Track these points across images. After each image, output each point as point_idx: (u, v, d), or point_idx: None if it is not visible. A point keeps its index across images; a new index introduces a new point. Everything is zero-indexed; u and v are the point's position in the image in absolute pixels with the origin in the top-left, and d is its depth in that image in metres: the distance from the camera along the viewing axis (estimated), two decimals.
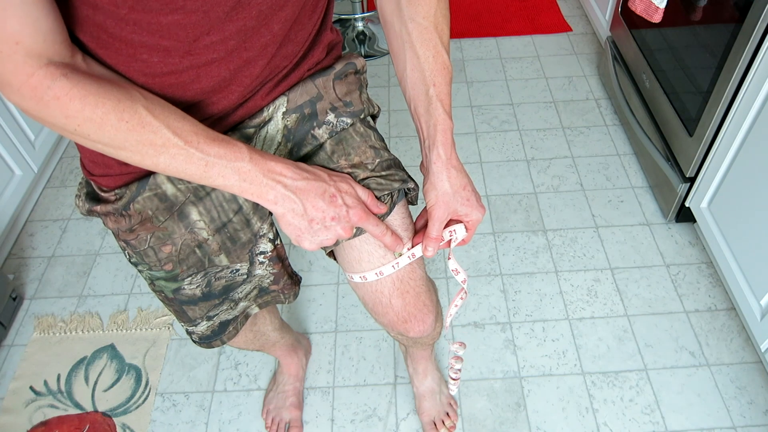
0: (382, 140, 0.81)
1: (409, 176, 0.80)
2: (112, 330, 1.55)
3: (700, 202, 1.55)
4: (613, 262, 1.64)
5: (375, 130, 0.81)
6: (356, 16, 2.52)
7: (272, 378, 1.43)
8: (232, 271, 0.84)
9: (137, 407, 1.40)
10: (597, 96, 2.16)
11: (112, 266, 1.70)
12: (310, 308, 1.58)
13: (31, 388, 1.45)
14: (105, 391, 1.44)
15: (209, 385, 1.44)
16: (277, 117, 0.73)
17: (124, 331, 1.55)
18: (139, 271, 0.83)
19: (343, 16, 2.58)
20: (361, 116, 0.79)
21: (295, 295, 0.96)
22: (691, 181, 1.58)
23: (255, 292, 0.91)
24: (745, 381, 1.38)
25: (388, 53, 2.39)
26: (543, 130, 2.05)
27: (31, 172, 1.79)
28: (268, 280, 0.89)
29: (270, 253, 0.85)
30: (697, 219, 1.58)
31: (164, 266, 0.79)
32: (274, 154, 0.75)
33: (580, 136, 2.01)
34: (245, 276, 0.86)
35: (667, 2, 1.58)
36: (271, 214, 0.83)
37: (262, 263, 0.85)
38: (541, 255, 1.67)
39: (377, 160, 0.77)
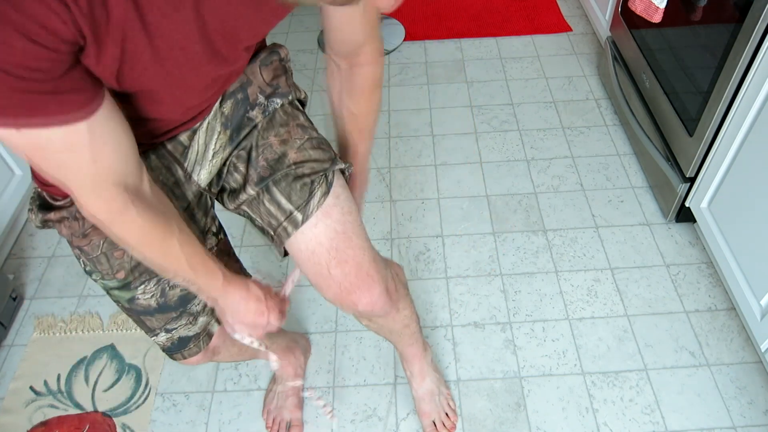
0: (310, 121, 0.90)
1: (337, 156, 0.90)
2: (112, 330, 1.55)
3: (700, 202, 1.55)
4: (613, 262, 1.64)
5: (302, 112, 0.90)
6: None
7: (272, 378, 1.43)
8: None
9: (137, 407, 1.40)
10: (597, 96, 2.16)
11: None
12: (310, 308, 1.58)
13: (31, 388, 1.45)
14: (105, 391, 1.44)
15: (209, 385, 1.44)
16: (216, 107, 0.80)
17: (124, 331, 1.55)
18: (94, 280, 0.85)
19: None
20: (289, 98, 0.87)
21: None
22: (691, 181, 1.58)
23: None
24: (745, 381, 1.38)
25: (387, 54, 2.39)
26: (543, 130, 2.05)
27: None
28: None
29: (215, 248, 0.91)
30: (697, 219, 1.58)
31: (116, 274, 0.81)
32: (216, 142, 0.82)
33: (580, 136, 2.01)
34: None
35: (667, 2, 1.58)
36: (213, 206, 0.91)
37: None
38: (541, 255, 1.67)
39: (305, 137, 0.86)
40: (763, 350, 1.33)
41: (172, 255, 0.72)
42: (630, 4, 1.73)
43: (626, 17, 1.88)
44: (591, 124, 2.05)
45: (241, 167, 0.84)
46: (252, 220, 0.88)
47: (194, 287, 0.80)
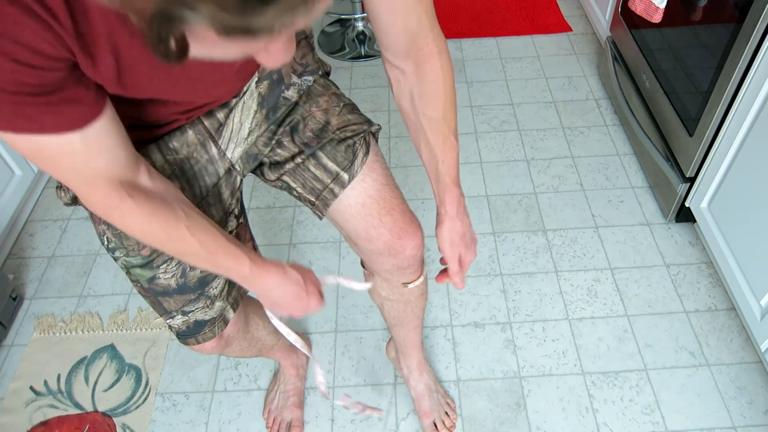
0: (339, 89, 0.95)
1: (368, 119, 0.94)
2: (112, 330, 1.55)
3: (700, 202, 1.55)
4: (613, 262, 1.64)
5: (332, 82, 0.95)
6: (356, 16, 2.52)
7: (273, 378, 1.43)
8: None
9: (137, 407, 1.40)
10: (597, 96, 2.16)
11: (112, 266, 1.70)
12: None
13: (31, 388, 1.45)
14: (105, 391, 1.44)
15: (209, 385, 1.44)
16: (252, 87, 0.82)
17: (124, 331, 1.55)
18: (115, 259, 0.86)
19: (343, 16, 2.58)
20: (319, 73, 0.91)
21: None
22: (691, 181, 1.58)
23: (227, 287, 0.93)
24: (745, 381, 1.38)
25: None
26: (543, 130, 2.05)
27: (31, 172, 1.79)
28: None
29: (235, 231, 0.92)
30: (697, 219, 1.58)
31: (141, 251, 0.82)
32: (252, 120, 0.85)
33: (580, 136, 2.01)
34: None
35: (667, 2, 1.58)
36: (240, 188, 0.93)
37: None
38: (541, 255, 1.67)
39: (341, 103, 0.91)
40: (763, 350, 1.33)
41: (182, 241, 0.72)
42: (630, 4, 1.73)
43: (626, 17, 1.88)
44: (591, 124, 2.05)
45: (286, 141, 0.88)
46: (290, 190, 0.92)
47: (223, 273, 0.79)
